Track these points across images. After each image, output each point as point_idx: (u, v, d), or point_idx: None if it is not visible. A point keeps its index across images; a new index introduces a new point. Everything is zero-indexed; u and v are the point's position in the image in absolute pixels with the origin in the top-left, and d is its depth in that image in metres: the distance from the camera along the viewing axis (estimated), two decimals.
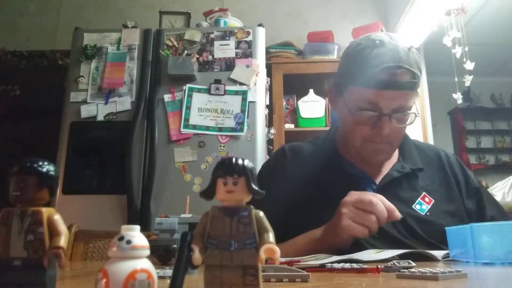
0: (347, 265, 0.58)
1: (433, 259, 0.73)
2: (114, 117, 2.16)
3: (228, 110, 2.13)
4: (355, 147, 1.03)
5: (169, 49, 2.22)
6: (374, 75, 0.93)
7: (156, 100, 2.15)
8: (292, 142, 1.26)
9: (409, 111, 0.98)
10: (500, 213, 1.07)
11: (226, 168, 0.31)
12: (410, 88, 0.95)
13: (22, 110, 2.75)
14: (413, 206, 0.99)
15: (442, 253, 0.75)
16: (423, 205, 1.00)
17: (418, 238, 0.94)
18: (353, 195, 0.86)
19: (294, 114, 2.69)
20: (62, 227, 0.35)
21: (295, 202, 1.01)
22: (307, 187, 1.02)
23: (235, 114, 2.12)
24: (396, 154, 1.10)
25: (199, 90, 2.17)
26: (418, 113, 1.01)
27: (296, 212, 0.99)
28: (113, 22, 2.74)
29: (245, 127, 2.09)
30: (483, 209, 1.05)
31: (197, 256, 0.30)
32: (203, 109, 2.14)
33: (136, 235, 0.32)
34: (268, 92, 2.47)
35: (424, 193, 1.02)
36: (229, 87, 2.16)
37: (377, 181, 1.04)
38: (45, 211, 0.35)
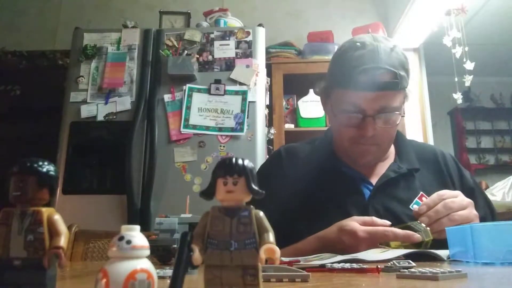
0: (347, 265, 0.58)
1: (437, 259, 0.73)
2: (114, 117, 2.16)
3: (228, 110, 2.13)
4: (344, 149, 1.06)
5: (169, 49, 2.22)
6: (355, 77, 0.95)
7: (156, 100, 2.15)
8: (292, 142, 1.26)
9: (396, 112, 0.98)
10: (490, 215, 1.06)
11: (226, 168, 0.31)
12: (391, 88, 0.95)
13: (22, 110, 2.75)
14: (410, 206, 0.99)
15: (447, 253, 0.75)
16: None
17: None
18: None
19: (294, 114, 2.69)
20: (62, 227, 0.35)
21: (293, 204, 1.01)
22: (304, 188, 1.03)
23: (235, 114, 2.12)
24: (392, 155, 1.11)
25: (199, 90, 2.17)
26: (403, 114, 1.01)
27: (294, 214, 1.00)
28: (113, 22, 2.74)
29: (245, 127, 2.09)
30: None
31: (197, 256, 0.30)
32: (203, 109, 2.14)
33: (136, 235, 0.32)
34: (268, 92, 2.47)
35: (421, 192, 1.02)
36: (229, 87, 2.16)
37: (374, 182, 1.05)
38: (45, 211, 0.35)
